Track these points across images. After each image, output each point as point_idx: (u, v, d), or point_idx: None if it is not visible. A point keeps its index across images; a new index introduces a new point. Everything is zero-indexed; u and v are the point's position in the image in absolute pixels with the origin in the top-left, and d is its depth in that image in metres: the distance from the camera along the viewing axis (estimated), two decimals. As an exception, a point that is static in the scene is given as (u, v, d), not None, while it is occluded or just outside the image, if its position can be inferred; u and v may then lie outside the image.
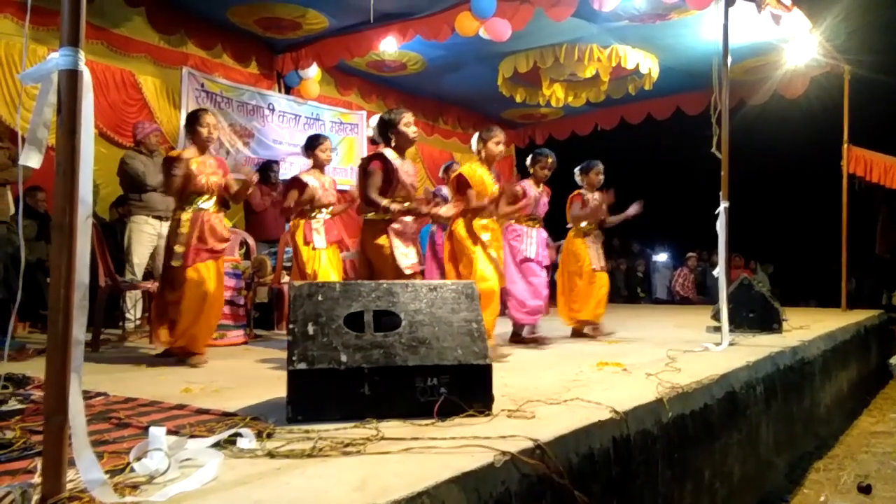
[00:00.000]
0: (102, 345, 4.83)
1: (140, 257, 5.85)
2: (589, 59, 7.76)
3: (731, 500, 3.34)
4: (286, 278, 5.85)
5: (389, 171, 3.87)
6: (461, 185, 4.40)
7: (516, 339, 5.12)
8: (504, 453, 1.83)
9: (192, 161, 4.01)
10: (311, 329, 2.36)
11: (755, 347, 4.50)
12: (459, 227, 4.36)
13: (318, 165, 5.03)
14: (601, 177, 5.67)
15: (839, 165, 8.58)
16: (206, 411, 2.44)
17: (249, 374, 3.66)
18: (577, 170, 5.76)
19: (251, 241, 6.30)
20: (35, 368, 3.15)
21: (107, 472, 1.54)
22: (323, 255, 4.83)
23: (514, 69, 8.26)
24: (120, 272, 5.45)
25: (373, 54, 8.12)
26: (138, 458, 1.72)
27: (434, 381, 2.34)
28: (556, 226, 5.86)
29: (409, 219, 3.97)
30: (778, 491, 3.99)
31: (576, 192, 5.71)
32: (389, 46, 7.66)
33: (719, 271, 4.83)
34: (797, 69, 8.29)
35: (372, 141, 4.15)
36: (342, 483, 1.61)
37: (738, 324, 5.59)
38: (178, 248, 3.92)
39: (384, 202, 3.82)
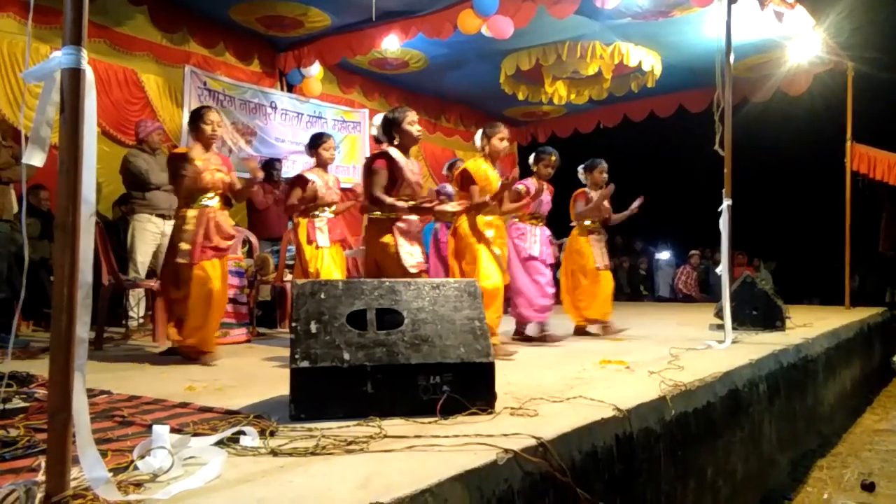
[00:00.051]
0: (106, 343, 4.84)
1: (143, 255, 5.86)
2: (591, 56, 7.75)
3: (734, 498, 3.33)
4: (289, 276, 5.85)
5: (394, 169, 3.87)
6: (466, 181, 4.40)
7: (519, 336, 5.12)
8: (507, 451, 1.83)
9: (198, 158, 4.01)
10: (313, 327, 2.36)
11: (758, 345, 4.49)
12: (463, 223, 4.36)
13: (322, 164, 5.03)
14: (605, 175, 5.66)
15: (842, 163, 8.57)
16: (210, 409, 2.44)
17: (252, 372, 3.67)
18: (580, 168, 5.75)
19: (254, 239, 6.31)
20: (39, 366, 3.16)
21: (110, 469, 1.55)
22: (326, 254, 4.84)
23: (516, 67, 8.26)
24: (123, 270, 5.46)
25: (375, 52, 8.11)
26: (142, 456, 1.73)
27: (437, 379, 2.34)
28: (559, 224, 5.85)
29: (413, 218, 3.97)
30: (781, 489, 3.99)
31: (580, 190, 5.70)
32: (392, 44, 7.66)
33: (722, 269, 4.83)
34: (800, 66, 8.28)
35: (376, 140, 4.14)
36: (345, 481, 1.61)
37: (741, 321, 5.58)
38: (184, 246, 3.91)
39: (389, 200, 3.82)
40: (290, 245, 5.73)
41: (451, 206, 4.29)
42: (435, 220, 6.17)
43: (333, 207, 5.04)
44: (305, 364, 2.27)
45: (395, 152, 3.90)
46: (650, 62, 8.05)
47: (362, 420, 2.20)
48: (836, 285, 9.05)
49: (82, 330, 1.45)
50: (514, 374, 3.33)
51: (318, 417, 2.23)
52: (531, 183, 5.15)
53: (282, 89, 8.69)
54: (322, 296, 2.47)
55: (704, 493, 3.02)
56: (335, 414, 2.25)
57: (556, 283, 5.50)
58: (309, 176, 4.93)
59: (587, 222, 5.61)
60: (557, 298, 5.44)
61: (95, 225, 1.53)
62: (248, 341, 5.19)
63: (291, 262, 5.65)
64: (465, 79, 9.60)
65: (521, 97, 9.20)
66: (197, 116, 4.11)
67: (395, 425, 2.16)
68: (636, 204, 5.64)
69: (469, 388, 2.36)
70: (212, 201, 4.06)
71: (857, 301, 8.85)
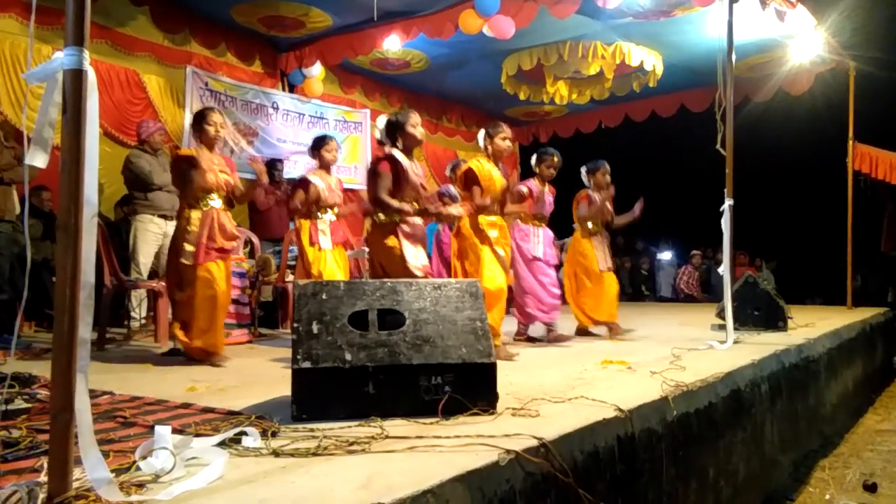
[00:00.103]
0: (108, 344, 4.85)
1: (145, 256, 5.86)
2: (593, 56, 7.74)
3: (736, 498, 3.33)
4: (290, 277, 5.86)
5: (399, 171, 3.87)
6: (470, 181, 4.40)
7: (520, 337, 5.12)
8: (508, 452, 1.83)
9: (202, 160, 4.01)
10: (315, 328, 2.36)
11: (760, 345, 4.49)
12: (466, 224, 4.36)
13: (324, 166, 5.04)
14: (608, 177, 5.65)
15: (844, 162, 8.56)
16: (212, 410, 2.44)
17: (254, 372, 3.67)
18: (583, 169, 5.73)
19: (255, 239, 6.32)
20: (41, 367, 3.17)
21: (113, 470, 1.55)
22: (329, 256, 4.85)
23: (517, 67, 8.26)
24: (125, 271, 5.47)
25: (376, 52, 8.12)
26: (144, 457, 1.73)
27: (438, 379, 2.34)
28: (561, 225, 5.84)
29: (417, 220, 3.97)
30: (783, 489, 3.98)
31: (583, 192, 5.68)
32: (393, 44, 7.66)
33: (724, 269, 4.82)
34: (802, 66, 8.27)
35: (379, 142, 4.14)
36: (347, 481, 1.61)
37: (742, 322, 5.57)
38: (188, 248, 3.90)
39: (395, 205, 3.82)
40: (291, 245, 5.73)
41: (455, 210, 4.28)
42: (437, 222, 6.17)
43: (336, 209, 5.04)
44: (307, 365, 2.27)
45: (398, 155, 3.90)
46: (652, 62, 8.05)
47: (364, 421, 2.20)
48: (838, 285, 9.04)
49: (84, 331, 1.46)
50: (516, 374, 3.33)
51: (320, 418, 2.23)
52: (533, 184, 5.14)
53: (283, 90, 8.70)
54: (324, 296, 2.47)
55: (706, 494, 3.02)
56: (337, 414, 2.25)
57: (560, 284, 5.50)
58: (312, 178, 4.94)
59: (590, 224, 5.61)
60: (563, 299, 5.44)
61: (97, 226, 1.53)
62: (249, 342, 5.20)
63: (293, 263, 5.66)
64: (466, 79, 9.60)
65: (522, 97, 9.20)
66: (200, 118, 4.12)
67: (396, 426, 2.16)
68: (637, 209, 5.64)
69: (471, 388, 2.36)
70: (215, 202, 4.07)
71: (859, 301, 8.84)
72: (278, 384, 2.95)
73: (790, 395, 4.29)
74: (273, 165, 7.42)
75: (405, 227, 3.88)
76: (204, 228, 3.94)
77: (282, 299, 6.34)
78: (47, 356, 3.52)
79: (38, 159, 1.52)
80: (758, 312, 5.72)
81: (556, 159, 5.19)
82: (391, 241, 3.86)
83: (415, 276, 3.74)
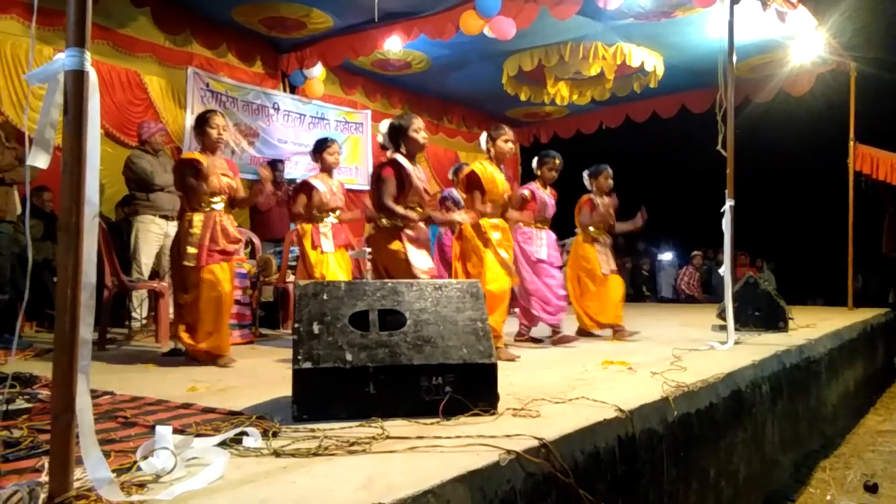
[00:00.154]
0: (109, 344, 4.85)
1: (146, 257, 5.87)
2: (594, 57, 7.74)
3: (737, 499, 3.33)
4: (291, 277, 5.86)
5: (402, 176, 3.87)
6: (472, 184, 4.39)
7: (521, 338, 5.12)
8: (509, 452, 1.83)
9: (205, 163, 4.01)
10: (316, 328, 2.37)
11: (761, 346, 4.49)
12: (468, 226, 4.35)
13: (326, 169, 5.04)
14: (610, 181, 5.64)
15: (845, 163, 8.55)
16: (212, 410, 2.45)
17: (255, 373, 3.68)
18: (585, 174, 5.72)
19: (256, 240, 6.32)
20: (42, 367, 3.17)
21: (114, 470, 1.55)
22: (332, 259, 4.86)
23: (518, 67, 8.26)
24: (126, 271, 5.47)
25: (377, 53, 8.12)
26: (145, 457, 1.73)
27: (439, 380, 2.34)
28: (562, 226, 5.83)
29: (421, 225, 3.98)
30: (783, 490, 3.98)
31: (585, 197, 5.66)
32: (394, 45, 7.66)
33: (725, 269, 4.82)
34: (803, 66, 8.26)
35: (382, 146, 4.14)
36: (348, 482, 1.61)
37: (743, 322, 5.57)
38: (191, 250, 3.90)
39: (401, 211, 3.82)
40: (292, 246, 5.74)
41: (459, 217, 4.27)
42: (439, 225, 6.17)
43: (338, 213, 5.05)
44: (308, 365, 2.27)
45: (402, 160, 3.91)
46: (652, 63, 8.04)
47: (365, 421, 2.20)
48: (839, 286, 9.03)
49: (86, 331, 1.46)
50: (517, 374, 3.33)
51: (321, 418, 2.23)
52: (536, 187, 5.14)
53: (284, 90, 8.70)
54: (324, 297, 2.48)
55: (707, 495, 3.02)
56: (338, 415, 2.25)
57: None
58: (314, 182, 4.94)
59: (591, 229, 5.60)
60: (568, 301, 5.42)
61: (98, 226, 1.53)
62: (250, 342, 5.20)
63: (294, 263, 5.66)
64: (467, 80, 9.60)
65: (523, 98, 9.20)
66: (202, 121, 4.10)
67: (397, 426, 2.16)
68: (640, 220, 5.64)
69: (471, 388, 2.36)
70: (218, 205, 4.07)
71: (860, 302, 8.83)
72: (279, 384, 2.96)
73: (791, 396, 4.28)
74: (274, 166, 7.43)
75: (409, 232, 3.88)
76: (206, 231, 3.94)
77: (283, 300, 6.34)
78: (48, 356, 3.52)
79: (39, 160, 1.53)
80: (759, 313, 5.71)
81: (557, 162, 5.18)
82: (395, 245, 3.86)
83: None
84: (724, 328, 4.88)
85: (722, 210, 4.78)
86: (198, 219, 3.98)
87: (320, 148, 5.04)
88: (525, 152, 11.80)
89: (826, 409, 5.20)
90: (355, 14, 7.27)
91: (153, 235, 5.88)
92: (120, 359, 4.23)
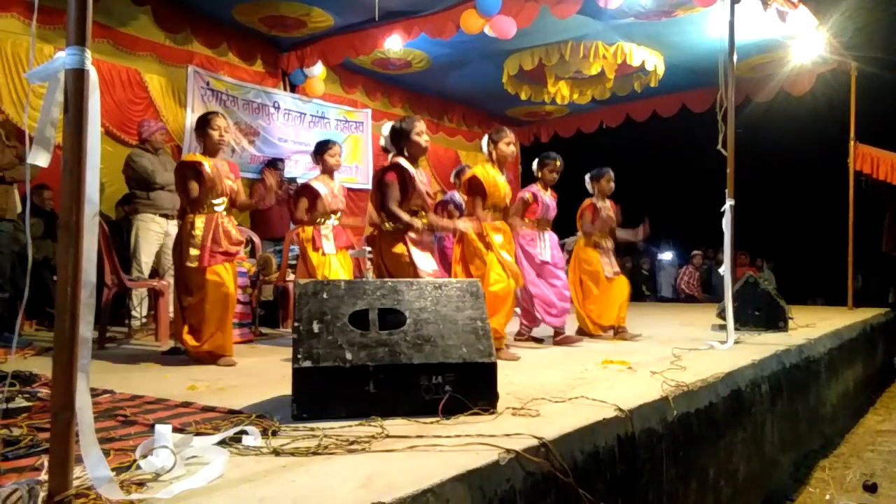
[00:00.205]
0: (108, 342, 4.85)
1: (147, 255, 5.87)
2: (594, 56, 7.73)
3: (736, 498, 3.33)
4: (291, 276, 5.86)
5: (406, 180, 3.86)
6: (475, 187, 4.37)
7: (522, 338, 5.12)
8: (509, 451, 1.83)
9: (207, 165, 4.01)
10: (316, 327, 2.37)
11: (761, 346, 4.49)
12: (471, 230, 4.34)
13: (327, 170, 5.04)
14: (612, 184, 5.62)
15: (846, 163, 8.55)
16: (212, 409, 2.45)
17: (255, 371, 3.68)
18: (587, 177, 5.70)
19: (256, 239, 6.32)
20: (42, 366, 3.17)
21: (113, 469, 1.55)
22: (333, 261, 4.86)
23: (519, 67, 8.25)
24: (126, 270, 5.48)
25: (378, 52, 8.11)
26: (144, 456, 1.73)
27: (439, 379, 2.35)
28: (563, 227, 5.82)
29: None
30: (783, 489, 3.98)
31: (587, 201, 5.62)
32: (394, 44, 7.66)
33: (725, 269, 4.82)
34: (803, 66, 8.26)
35: (384, 149, 4.13)
36: (347, 480, 1.61)
37: (743, 322, 5.57)
38: (193, 251, 3.89)
39: (406, 218, 3.82)
40: (292, 245, 5.74)
41: (462, 225, 4.25)
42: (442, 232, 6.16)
43: (339, 214, 5.05)
44: (308, 364, 2.27)
45: (404, 163, 3.90)
46: (653, 62, 8.04)
47: (364, 420, 2.21)
48: (839, 286, 9.04)
49: (86, 329, 1.46)
50: (516, 374, 3.34)
51: (321, 417, 2.24)
52: (537, 189, 5.12)
53: (285, 89, 8.70)
54: (324, 296, 2.48)
55: (706, 494, 3.02)
56: (337, 414, 2.26)
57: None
58: (315, 185, 4.94)
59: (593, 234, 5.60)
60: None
61: (98, 225, 1.53)
62: (250, 341, 5.20)
63: (294, 262, 5.66)
64: (467, 79, 9.60)
65: (523, 97, 9.19)
66: (204, 122, 4.08)
67: (397, 425, 2.16)
68: (641, 232, 5.65)
69: (471, 388, 2.36)
70: (219, 207, 4.06)
71: (860, 302, 8.83)
72: (279, 383, 2.96)
73: (791, 396, 4.29)
74: (274, 165, 7.43)
75: (412, 234, 3.88)
76: (208, 232, 3.94)
77: (282, 298, 6.34)
78: (48, 354, 3.53)
79: (40, 158, 1.53)
80: (758, 313, 5.72)
81: (558, 164, 5.16)
82: (399, 248, 3.86)
83: None
84: (723, 328, 4.88)
85: (722, 209, 4.78)
86: (199, 221, 3.97)
87: (321, 150, 5.03)
88: (525, 151, 11.79)
89: (825, 409, 5.21)
90: (356, 13, 7.27)
91: (153, 234, 5.89)
92: (120, 357, 4.23)
